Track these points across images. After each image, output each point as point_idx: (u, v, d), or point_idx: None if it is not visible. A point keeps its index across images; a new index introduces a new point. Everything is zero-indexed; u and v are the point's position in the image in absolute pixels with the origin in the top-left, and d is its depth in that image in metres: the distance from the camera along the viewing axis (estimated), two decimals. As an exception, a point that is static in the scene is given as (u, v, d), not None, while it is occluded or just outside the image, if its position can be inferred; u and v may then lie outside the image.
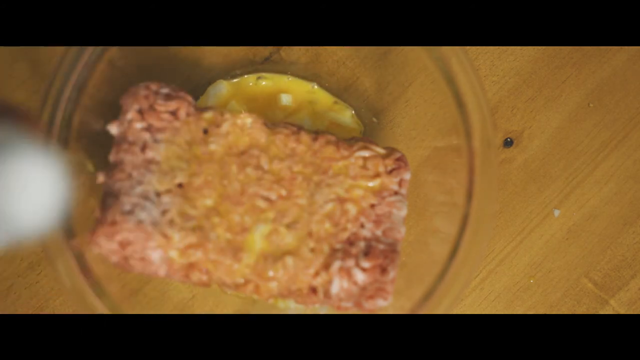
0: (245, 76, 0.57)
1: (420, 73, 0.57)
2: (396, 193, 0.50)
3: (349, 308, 0.49)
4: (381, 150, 0.50)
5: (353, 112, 0.58)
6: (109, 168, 0.48)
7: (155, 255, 0.47)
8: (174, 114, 0.49)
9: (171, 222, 0.47)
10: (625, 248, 0.60)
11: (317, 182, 0.49)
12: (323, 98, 0.57)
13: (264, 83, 0.57)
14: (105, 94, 0.49)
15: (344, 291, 0.48)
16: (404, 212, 0.50)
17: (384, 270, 0.48)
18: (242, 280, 0.48)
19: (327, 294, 0.48)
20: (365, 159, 0.50)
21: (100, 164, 0.49)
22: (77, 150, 0.48)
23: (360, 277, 0.48)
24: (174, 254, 0.47)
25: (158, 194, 0.48)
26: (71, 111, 0.47)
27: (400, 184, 0.50)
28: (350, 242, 0.49)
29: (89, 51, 0.48)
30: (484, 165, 0.49)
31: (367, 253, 0.48)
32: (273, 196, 0.49)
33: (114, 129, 0.49)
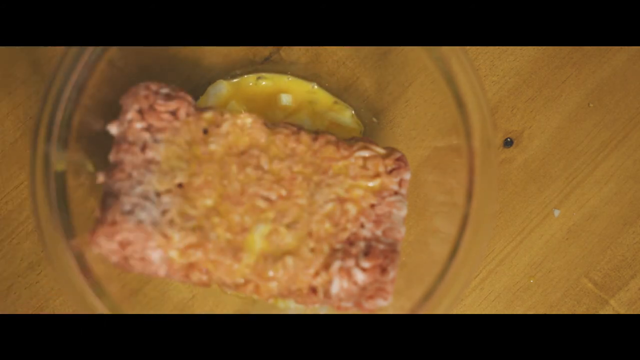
0: (245, 76, 0.57)
1: (420, 73, 0.57)
2: (396, 193, 0.50)
3: (349, 308, 0.49)
4: (381, 150, 0.50)
5: (353, 112, 0.58)
6: (109, 168, 0.48)
7: (155, 255, 0.47)
8: (174, 114, 0.49)
9: (171, 222, 0.47)
10: (625, 248, 0.60)
11: (317, 182, 0.50)
12: (323, 98, 0.57)
13: (264, 83, 0.57)
14: (105, 94, 0.49)
15: (344, 291, 0.48)
16: (404, 212, 0.50)
17: (384, 270, 0.48)
18: (242, 280, 0.48)
19: (327, 294, 0.48)
20: (365, 159, 0.50)
21: (100, 164, 0.50)
22: (77, 150, 0.48)
23: (360, 277, 0.48)
24: (174, 254, 0.47)
25: (158, 194, 0.48)
26: (71, 111, 0.47)
27: (400, 184, 0.50)
28: (350, 242, 0.49)
29: (89, 51, 0.48)
30: (484, 165, 0.49)
31: (367, 253, 0.48)
32: (273, 196, 0.49)
33: (114, 129, 0.49)
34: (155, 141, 0.48)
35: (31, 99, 0.57)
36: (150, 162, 0.48)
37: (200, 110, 0.50)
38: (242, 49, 0.58)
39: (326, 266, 0.48)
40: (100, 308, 0.47)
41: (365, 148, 0.50)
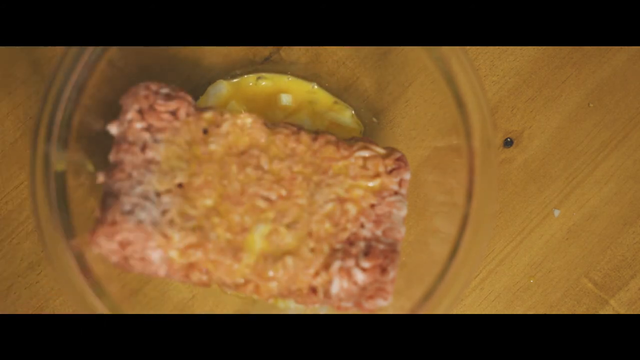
0: (245, 76, 0.57)
1: (420, 73, 0.57)
2: (396, 193, 0.50)
3: (349, 308, 0.49)
4: (381, 150, 0.50)
5: (353, 112, 0.58)
6: (109, 168, 0.48)
7: (155, 255, 0.47)
8: (174, 114, 0.49)
9: (171, 222, 0.47)
10: (625, 248, 0.60)
11: (317, 182, 0.49)
12: (323, 98, 0.57)
13: (264, 83, 0.57)
14: (105, 94, 0.49)
15: (344, 291, 0.48)
16: (404, 212, 0.50)
17: (384, 270, 0.48)
18: (242, 280, 0.48)
19: (327, 294, 0.48)
20: (365, 159, 0.50)
21: (100, 164, 0.50)
22: (77, 150, 0.48)
23: (360, 277, 0.48)
24: (174, 254, 0.47)
25: (158, 194, 0.48)
26: (71, 111, 0.47)
27: (400, 184, 0.50)
28: (350, 242, 0.49)
29: (89, 51, 0.48)
30: (484, 165, 0.49)
31: (367, 253, 0.48)
32: (273, 196, 0.49)
33: (114, 129, 0.49)
34: (155, 141, 0.48)
35: (31, 99, 0.57)
36: (150, 162, 0.48)
37: (200, 110, 0.50)
38: (242, 49, 0.58)
39: (326, 266, 0.48)
40: (100, 308, 0.47)
41: (365, 148, 0.50)
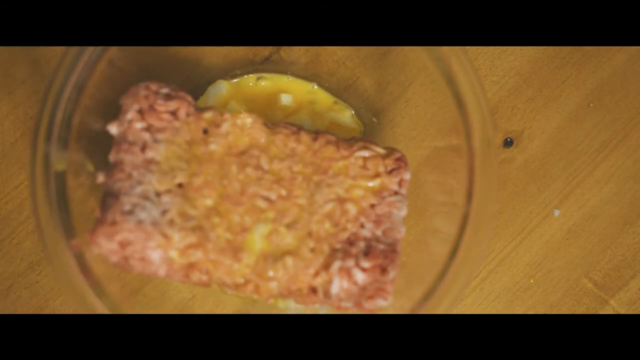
0: (245, 76, 0.57)
1: (420, 73, 0.57)
2: (396, 193, 0.50)
3: (349, 308, 0.49)
4: (381, 150, 0.50)
5: (353, 112, 0.58)
6: (109, 168, 0.48)
7: (155, 255, 0.47)
8: (174, 114, 0.49)
9: (171, 222, 0.47)
10: (625, 248, 0.60)
11: (317, 182, 0.49)
12: (323, 98, 0.57)
13: (263, 83, 0.57)
14: (105, 94, 0.49)
15: (344, 291, 0.48)
16: (404, 212, 0.50)
17: (384, 270, 0.48)
18: (242, 280, 0.48)
19: (327, 294, 0.48)
20: (365, 159, 0.50)
21: (100, 164, 0.50)
22: (77, 150, 0.48)
23: (360, 277, 0.48)
24: (174, 254, 0.47)
25: (158, 194, 0.48)
26: (71, 111, 0.47)
27: (400, 184, 0.50)
28: (350, 242, 0.49)
29: (89, 51, 0.48)
30: (484, 165, 0.49)
31: (367, 253, 0.48)
32: (273, 196, 0.49)
33: (114, 129, 0.49)
34: (155, 141, 0.48)
35: (31, 99, 0.57)
36: (150, 162, 0.48)
37: (200, 110, 0.50)
38: (242, 49, 0.58)
39: (326, 266, 0.48)
40: (100, 308, 0.47)
41: (365, 148, 0.50)
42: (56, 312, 0.56)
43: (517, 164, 0.60)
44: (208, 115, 0.49)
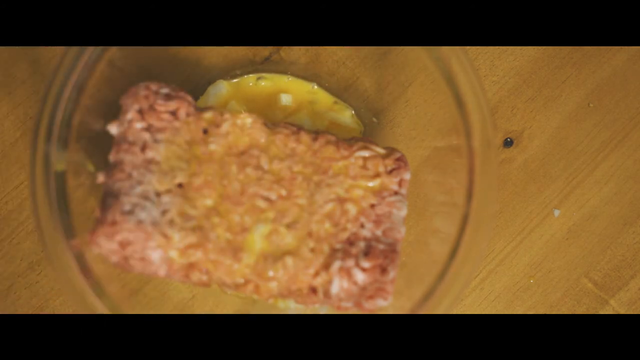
0: (245, 76, 0.57)
1: (420, 73, 0.57)
2: (396, 193, 0.50)
3: (349, 308, 0.49)
4: (381, 150, 0.50)
5: (353, 112, 0.58)
6: (109, 168, 0.48)
7: (155, 255, 0.47)
8: (174, 114, 0.49)
9: (171, 222, 0.47)
10: (625, 248, 0.60)
11: (317, 182, 0.49)
12: (323, 98, 0.57)
13: (263, 83, 0.57)
14: (105, 94, 0.49)
15: (344, 291, 0.48)
16: (404, 212, 0.50)
17: (384, 270, 0.48)
18: (242, 280, 0.48)
19: (327, 294, 0.48)
20: (365, 159, 0.50)
21: (100, 164, 0.50)
22: (77, 150, 0.48)
23: (360, 277, 0.48)
24: (174, 254, 0.47)
25: (158, 194, 0.48)
26: (71, 111, 0.47)
27: (400, 184, 0.50)
28: (350, 242, 0.49)
29: (89, 51, 0.48)
30: (484, 165, 0.49)
31: (367, 253, 0.48)
32: (273, 196, 0.49)
33: (114, 129, 0.49)
34: (155, 141, 0.48)
35: (31, 99, 0.57)
36: (150, 162, 0.48)
37: (200, 110, 0.50)
38: (242, 49, 0.58)
39: (326, 266, 0.48)
40: (100, 308, 0.47)
41: (365, 148, 0.50)
42: (56, 312, 0.56)
43: (517, 164, 0.60)
44: (208, 115, 0.49)
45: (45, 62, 0.58)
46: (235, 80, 0.57)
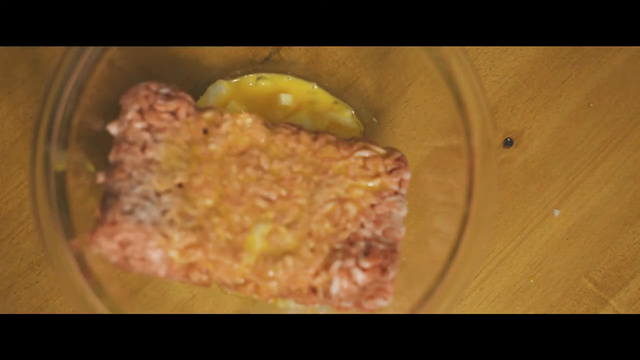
0: (245, 76, 0.57)
1: (420, 73, 0.57)
2: (396, 193, 0.50)
3: (349, 308, 0.49)
4: (381, 150, 0.50)
5: (353, 112, 0.58)
6: (109, 168, 0.48)
7: (155, 255, 0.47)
8: (174, 114, 0.49)
9: (171, 222, 0.47)
10: (625, 248, 0.60)
11: (317, 182, 0.50)
12: (323, 98, 0.57)
13: (263, 83, 0.57)
14: (105, 94, 0.49)
15: (344, 291, 0.48)
16: (404, 212, 0.50)
17: (384, 270, 0.48)
18: (242, 280, 0.48)
19: (327, 294, 0.48)
20: (365, 159, 0.50)
21: (100, 164, 0.50)
22: (77, 150, 0.48)
23: (360, 277, 0.48)
24: (174, 254, 0.47)
25: (158, 194, 0.48)
26: (71, 111, 0.47)
27: (400, 184, 0.50)
28: (350, 242, 0.49)
29: (89, 51, 0.48)
30: (484, 165, 0.49)
31: (367, 253, 0.48)
32: (273, 196, 0.49)
33: (114, 129, 0.49)
34: (155, 141, 0.48)
35: (31, 99, 0.57)
36: (150, 162, 0.48)
37: (200, 110, 0.50)
38: (242, 49, 0.58)
39: (326, 266, 0.48)
40: (100, 308, 0.47)
41: (365, 148, 0.50)
42: (56, 312, 0.56)
43: (517, 164, 0.60)
44: (208, 115, 0.49)
45: (45, 62, 0.58)
46: (235, 80, 0.57)
